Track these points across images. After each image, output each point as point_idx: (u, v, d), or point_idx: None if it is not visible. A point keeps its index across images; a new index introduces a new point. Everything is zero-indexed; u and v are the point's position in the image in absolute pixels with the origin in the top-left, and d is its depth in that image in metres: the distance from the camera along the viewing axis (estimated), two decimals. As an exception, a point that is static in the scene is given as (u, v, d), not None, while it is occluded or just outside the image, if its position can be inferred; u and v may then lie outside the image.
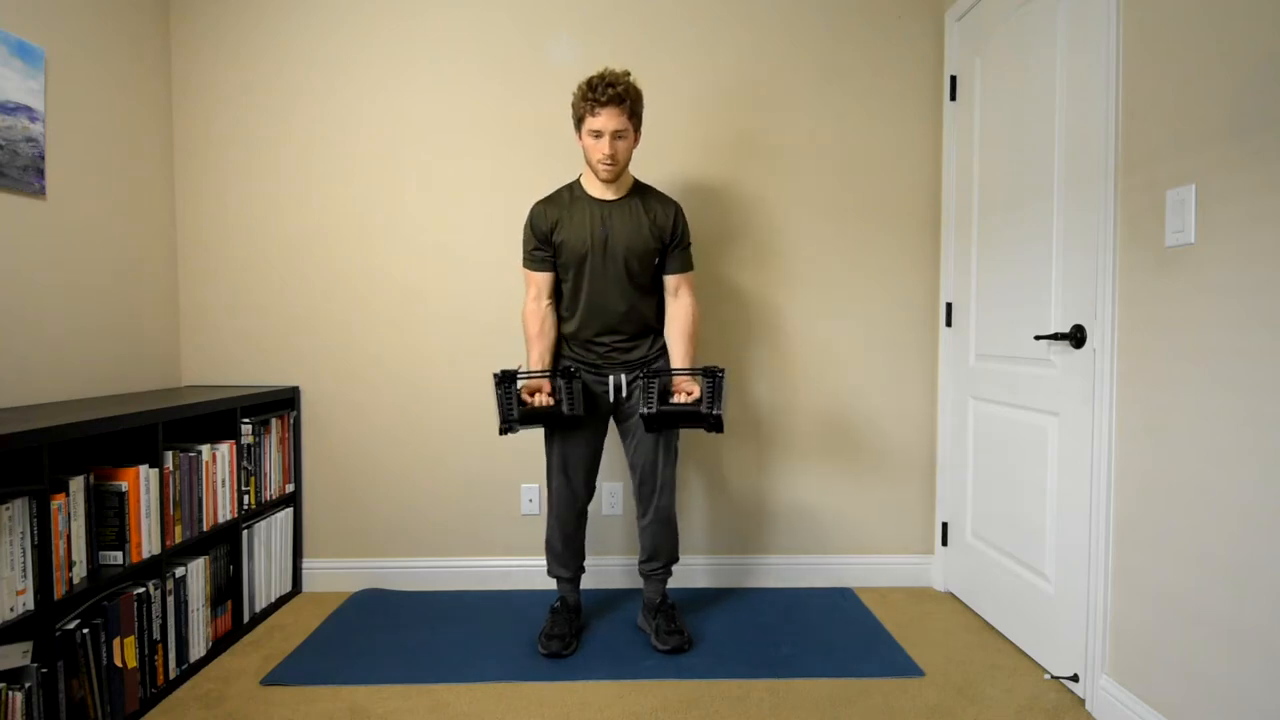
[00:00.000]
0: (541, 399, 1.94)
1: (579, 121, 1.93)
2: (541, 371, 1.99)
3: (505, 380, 1.87)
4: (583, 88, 1.88)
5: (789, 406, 2.52)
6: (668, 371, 1.99)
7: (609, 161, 1.90)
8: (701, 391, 1.88)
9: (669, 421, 1.92)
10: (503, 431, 1.87)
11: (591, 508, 2.48)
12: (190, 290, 2.50)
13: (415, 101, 2.47)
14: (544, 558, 2.27)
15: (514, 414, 1.87)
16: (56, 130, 1.99)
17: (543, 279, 2.03)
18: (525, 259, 2.04)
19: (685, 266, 2.07)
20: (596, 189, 2.00)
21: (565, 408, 1.92)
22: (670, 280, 2.07)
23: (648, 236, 2.00)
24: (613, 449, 2.42)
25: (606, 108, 1.85)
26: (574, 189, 2.03)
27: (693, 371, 1.98)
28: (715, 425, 1.85)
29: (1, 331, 1.82)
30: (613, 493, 2.51)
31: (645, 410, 1.89)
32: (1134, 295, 1.57)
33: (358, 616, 2.27)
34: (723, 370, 1.85)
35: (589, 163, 1.95)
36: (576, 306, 2.03)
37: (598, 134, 1.87)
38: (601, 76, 1.87)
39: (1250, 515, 1.29)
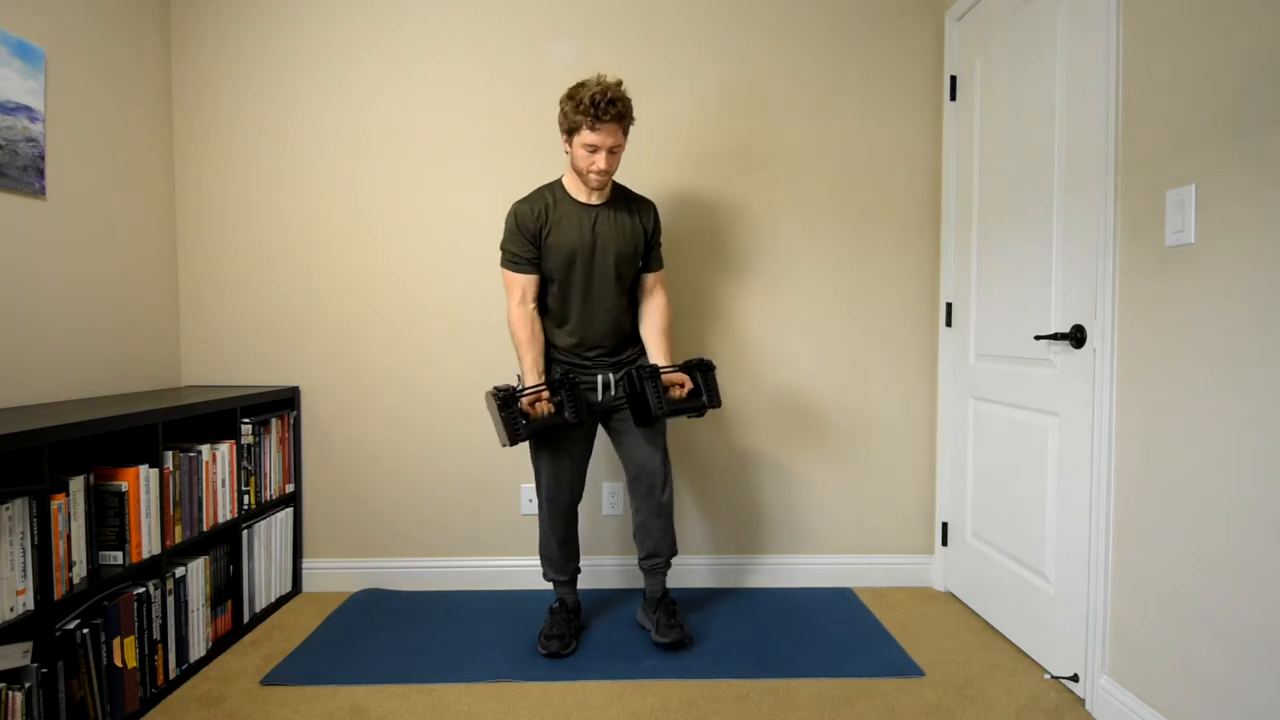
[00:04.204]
0: (542, 407, 1.94)
1: (571, 132, 1.87)
2: (540, 385, 1.95)
3: (508, 401, 1.85)
4: (582, 102, 1.81)
5: (789, 406, 2.52)
6: (666, 369, 2.01)
7: (603, 175, 1.90)
8: (699, 386, 2.00)
9: (671, 413, 1.99)
10: (511, 443, 1.86)
11: (591, 508, 2.49)
12: (190, 290, 2.50)
13: (415, 102, 2.47)
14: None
15: (520, 431, 1.86)
16: (56, 130, 1.99)
17: (529, 282, 1.98)
18: (508, 260, 1.98)
19: (660, 264, 2.12)
20: (581, 194, 1.99)
21: (569, 415, 1.92)
22: (649, 278, 2.10)
23: (636, 239, 2.03)
24: (603, 449, 2.42)
25: (607, 124, 1.83)
26: (556, 191, 2.00)
27: (689, 370, 2.02)
28: (714, 406, 2.02)
29: (1, 331, 1.82)
30: (613, 493, 2.51)
31: (657, 411, 1.92)
32: (1134, 295, 1.57)
33: (358, 616, 2.27)
34: (713, 366, 2.02)
35: (578, 171, 1.94)
36: (567, 315, 2.02)
37: (594, 148, 1.85)
38: (602, 91, 1.81)
39: (1250, 515, 1.29)
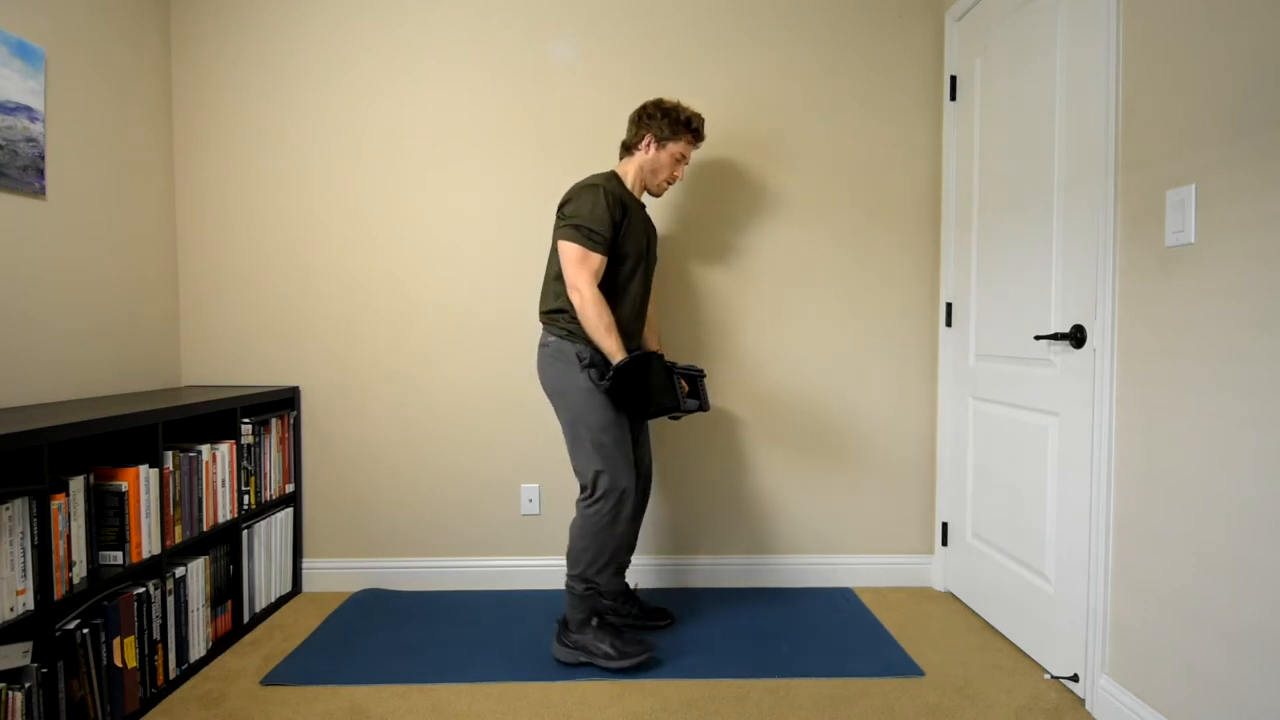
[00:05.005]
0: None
1: (665, 140, 2.02)
2: (694, 369, 2.10)
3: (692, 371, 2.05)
4: (692, 121, 2.02)
5: (788, 406, 2.52)
6: (684, 373, 2.12)
7: (674, 184, 2.13)
8: (695, 389, 2.12)
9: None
10: (677, 411, 1.91)
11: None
12: (190, 290, 2.50)
13: (415, 102, 2.47)
14: (542, 557, 2.26)
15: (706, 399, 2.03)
16: (56, 130, 1.99)
17: (602, 264, 1.90)
18: (588, 237, 1.87)
19: None
20: (636, 192, 2.07)
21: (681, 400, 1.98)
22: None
23: (657, 244, 2.20)
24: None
25: (698, 143, 2.08)
26: (622, 185, 2.01)
27: (690, 375, 2.13)
28: (706, 410, 2.16)
29: (1, 331, 1.82)
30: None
31: (687, 409, 2.03)
32: (1134, 295, 1.57)
33: (358, 616, 2.27)
34: (705, 374, 2.18)
35: (651, 172, 2.05)
36: (623, 304, 1.99)
37: (681, 158, 2.05)
38: (699, 116, 2.05)
39: (1250, 515, 1.29)
